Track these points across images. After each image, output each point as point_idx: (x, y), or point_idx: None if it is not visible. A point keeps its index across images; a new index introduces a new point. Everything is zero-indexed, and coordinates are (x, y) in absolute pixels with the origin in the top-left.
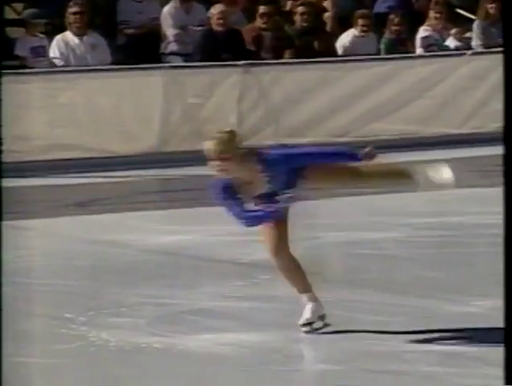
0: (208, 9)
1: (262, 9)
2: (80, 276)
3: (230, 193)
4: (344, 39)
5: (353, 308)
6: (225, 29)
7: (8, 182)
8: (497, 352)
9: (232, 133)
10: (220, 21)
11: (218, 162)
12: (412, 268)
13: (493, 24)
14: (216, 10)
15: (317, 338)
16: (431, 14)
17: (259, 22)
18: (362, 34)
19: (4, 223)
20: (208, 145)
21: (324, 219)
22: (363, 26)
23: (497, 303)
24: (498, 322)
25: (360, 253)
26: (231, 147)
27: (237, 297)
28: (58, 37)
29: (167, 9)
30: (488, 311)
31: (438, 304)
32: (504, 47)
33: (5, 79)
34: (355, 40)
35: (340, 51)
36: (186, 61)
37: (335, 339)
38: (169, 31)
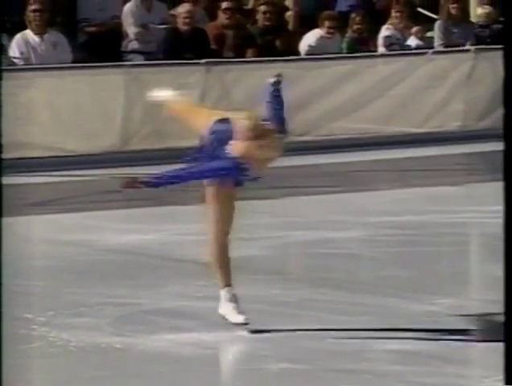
0: (168, 7)
1: (224, 4)
2: (39, 276)
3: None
4: (310, 39)
5: (316, 307)
6: (190, 28)
7: None
8: (458, 351)
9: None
10: (187, 20)
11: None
12: (374, 267)
13: (454, 24)
14: (183, 8)
15: (279, 337)
16: (393, 13)
17: (222, 18)
18: (328, 35)
19: None
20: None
21: (287, 217)
22: (329, 27)
23: (459, 302)
24: (459, 320)
25: (322, 253)
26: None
27: (198, 297)
28: (18, 36)
29: (127, 7)
30: (449, 310)
31: (400, 303)
32: (504, 49)
33: None
34: (321, 40)
35: (304, 51)
36: (147, 59)
37: (297, 338)
38: (130, 29)
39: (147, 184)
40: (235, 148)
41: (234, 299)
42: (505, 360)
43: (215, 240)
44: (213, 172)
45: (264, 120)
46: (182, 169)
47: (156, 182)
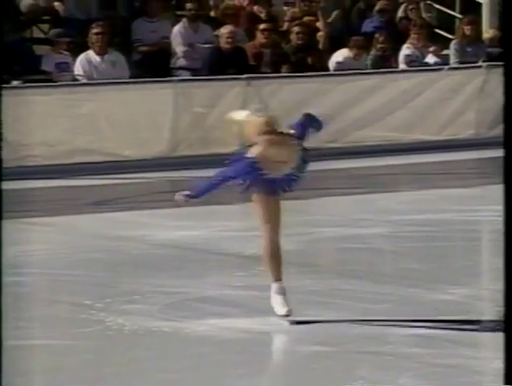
0: (213, 28)
1: (262, 26)
2: (98, 267)
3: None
4: (338, 57)
5: (343, 296)
6: (232, 46)
7: (34, 184)
8: (471, 335)
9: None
10: (229, 40)
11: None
12: (396, 260)
13: (468, 44)
14: (226, 29)
15: (310, 323)
16: (412, 33)
17: (260, 38)
18: (354, 57)
19: (31, 220)
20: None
21: (317, 216)
22: (356, 51)
23: (471, 291)
24: (471, 307)
25: (349, 247)
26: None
27: (238, 287)
28: (81, 56)
29: (176, 28)
30: (462, 298)
31: (419, 292)
32: (504, 52)
33: (32, 91)
34: (348, 60)
35: (333, 67)
36: (193, 75)
37: (326, 324)
38: (178, 48)
39: (191, 197)
40: (252, 150)
41: (282, 292)
42: (505, 360)
43: (266, 240)
44: (235, 174)
45: (288, 127)
46: (213, 178)
47: (196, 194)
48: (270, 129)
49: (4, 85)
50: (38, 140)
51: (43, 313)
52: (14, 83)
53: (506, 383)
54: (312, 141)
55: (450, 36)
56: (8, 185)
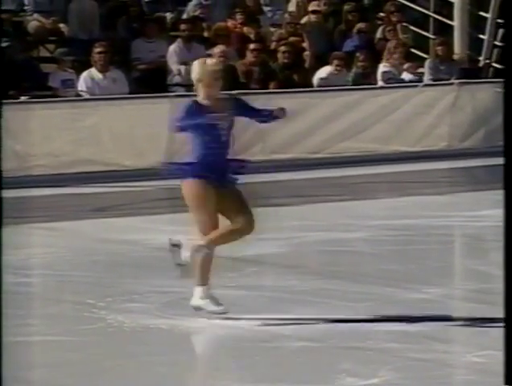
0: (206, 48)
1: (251, 46)
2: (99, 269)
3: (197, 111)
4: (322, 74)
5: (327, 295)
6: (224, 65)
7: (39, 192)
8: (445, 331)
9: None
10: (221, 58)
11: (215, 81)
12: (376, 262)
13: (441, 62)
14: (218, 49)
15: (296, 320)
16: (389, 52)
17: (249, 57)
18: (336, 71)
19: (37, 225)
20: (214, 65)
21: (303, 221)
22: (337, 65)
23: (445, 291)
24: (445, 306)
25: (333, 250)
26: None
27: (229, 287)
28: (84, 73)
29: (172, 48)
30: (437, 298)
31: (397, 292)
32: (505, 55)
33: (39, 106)
34: (331, 75)
35: (317, 83)
36: (188, 91)
37: (311, 321)
38: (174, 66)
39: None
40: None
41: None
42: (505, 360)
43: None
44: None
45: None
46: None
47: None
48: (211, 85)
49: (13, 100)
50: (44, 151)
51: (49, 311)
52: (23, 98)
53: (506, 383)
54: (298, 151)
55: (425, 55)
56: (16, 193)
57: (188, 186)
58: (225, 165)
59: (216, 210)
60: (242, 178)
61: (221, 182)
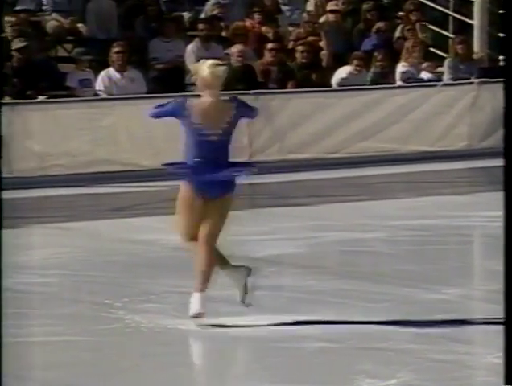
0: (224, 48)
1: (269, 45)
2: (117, 269)
3: (184, 110)
4: (341, 73)
5: (346, 296)
6: (242, 64)
7: (56, 191)
8: (465, 332)
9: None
10: (239, 58)
11: (215, 87)
12: (393, 262)
13: (461, 61)
14: (236, 49)
15: (315, 320)
16: (408, 51)
17: (267, 57)
18: (356, 71)
19: (54, 224)
20: (218, 72)
21: (322, 221)
22: (357, 65)
23: (464, 292)
24: (464, 307)
25: (351, 250)
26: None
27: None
28: (102, 73)
29: (190, 47)
30: (457, 298)
31: (415, 292)
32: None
33: (57, 105)
34: (350, 75)
35: (337, 83)
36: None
37: (330, 322)
38: (191, 66)
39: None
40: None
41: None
42: (505, 360)
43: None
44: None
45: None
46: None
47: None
48: (211, 86)
49: (31, 100)
50: (61, 151)
51: (66, 311)
52: (40, 98)
53: (506, 383)
54: (316, 151)
55: (444, 55)
56: (34, 192)
57: (181, 188)
58: (214, 173)
59: (200, 219)
60: (243, 179)
61: (208, 192)
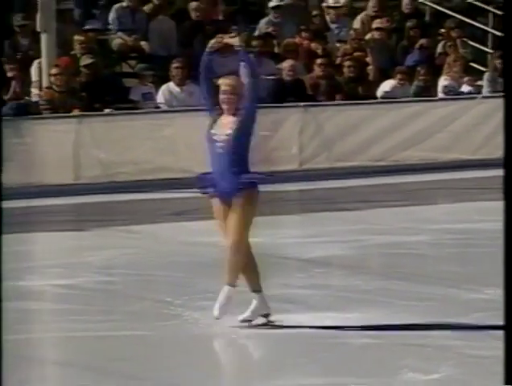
0: (276, 63)
1: (318, 60)
2: (177, 269)
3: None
4: (386, 87)
5: (390, 295)
6: (292, 78)
7: (122, 197)
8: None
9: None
10: (290, 72)
11: (230, 96)
12: (436, 263)
13: (499, 75)
14: (287, 64)
15: (361, 317)
16: (449, 66)
17: (317, 71)
18: (399, 85)
19: (120, 227)
20: (231, 82)
21: (368, 225)
22: (400, 79)
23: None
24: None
25: (396, 252)
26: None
27: (298, 287)
28: (163, 87)
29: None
30: (497, 297)
31: (458, 292)
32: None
33: (121, 117)
34: (394, 88)
35: (381, 96)
36: (258, 103)
37: (375, 319)
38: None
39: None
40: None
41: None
42: (505, 360)
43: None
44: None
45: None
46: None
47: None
48: (226, 93)
49: (98, 113)
50: (126, 159)
51: (131, 308)
52: (107, 110)
53: (506, 383)
54: (362, 159)
55: (483, 69)
56: (101, 198)
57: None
58: (226, 179)
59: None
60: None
61: (226, 196)
